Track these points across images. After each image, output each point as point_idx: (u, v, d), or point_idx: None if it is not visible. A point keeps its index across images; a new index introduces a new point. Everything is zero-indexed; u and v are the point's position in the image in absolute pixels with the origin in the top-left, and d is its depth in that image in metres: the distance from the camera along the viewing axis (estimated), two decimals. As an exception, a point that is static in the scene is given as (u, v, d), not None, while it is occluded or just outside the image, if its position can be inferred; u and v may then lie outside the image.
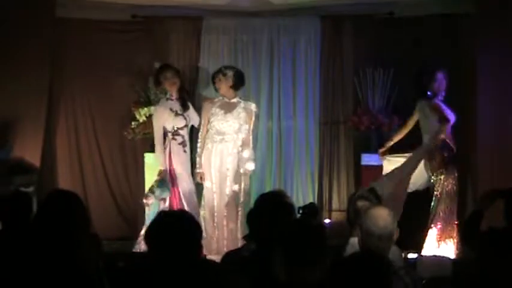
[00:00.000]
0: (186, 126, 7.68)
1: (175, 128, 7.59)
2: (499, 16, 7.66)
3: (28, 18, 7.97)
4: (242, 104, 7.76)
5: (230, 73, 7.69)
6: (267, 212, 4.01)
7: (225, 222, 7.51)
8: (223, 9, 8.81)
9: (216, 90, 7.85)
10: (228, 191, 7.57)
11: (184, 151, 7.65)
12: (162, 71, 7.77)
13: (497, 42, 7.67)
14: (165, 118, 7.60)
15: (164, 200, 7.53)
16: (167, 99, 7.73)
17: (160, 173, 7.60)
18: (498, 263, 4.26)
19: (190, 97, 8.11)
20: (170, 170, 7.63)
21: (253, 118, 7.87)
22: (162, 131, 7.64)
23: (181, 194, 7.62)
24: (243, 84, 7.90)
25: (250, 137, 7.83)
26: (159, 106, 7.78)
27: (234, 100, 7.74)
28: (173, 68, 7.89)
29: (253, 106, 7.86)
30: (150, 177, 8.26)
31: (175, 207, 7.55)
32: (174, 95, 7.70)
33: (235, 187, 7.58)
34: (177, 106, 7.65)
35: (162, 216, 3.48)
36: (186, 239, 3.32)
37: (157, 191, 7.53)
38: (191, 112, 7.82)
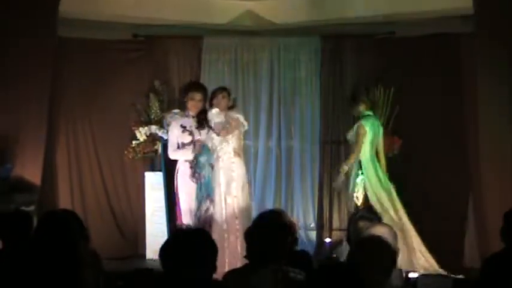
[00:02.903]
0: (193, 142, 7.36)
1: (181, 144, 7.47)
2: (499, 35, 7.68)
3: (29, 37, 7.98)
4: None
5: (232, 95, 7.58)
6: (264, 231, 3.98)
7: (226, 235, 7.32)
8: (223, 28, 8.85)
9: (212, 105, 7.46)
10: (223, 204, 7.38)
11: (190, 167, 7.48)
12: (192, 90, 7.51)
13: (496, 61, 7.69)
14: (175, 134, 7.50)
15: (212, 165, 7.36)
16: (185, 115, 7.53)
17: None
18: (499, 285, 4.25)
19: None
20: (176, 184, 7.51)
21: (238, 126, 7.42)
22: (175, 145, 7.49)
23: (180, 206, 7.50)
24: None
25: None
26: (173, 121, 7.67)
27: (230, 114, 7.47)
28: (203, 91, 7.53)
29: (232, 113, 7.44)
30: (151, 196, 8.25)
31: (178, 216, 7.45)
32: (192, 114, 7.52)
33: (229, 200, 7.37)
34: (189, 123, 7.49)
35: (178, 233, 3.46)
36: (200, 258, 3.31)
37: (202, 158, 7.36)
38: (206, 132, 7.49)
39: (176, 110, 8.16)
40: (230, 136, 7.37)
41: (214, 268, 3.40)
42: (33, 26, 8.01)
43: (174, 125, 7.55)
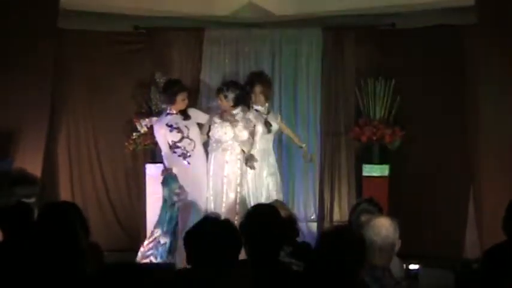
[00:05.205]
0: (184, 137, 7.58)
1: (172, 142, 7.53)
2: (500, 26, 7.67)
3: (30, 29, 7.98)
4: (241, 115, 7.66)
5: (231, 95, 7.58)
6: (256, 224, 3.97)
7: None
8: (225, 20, 8.83)
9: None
10: (224, 198, 7.50)
11: (187, 162, 7.54)
12: (180, 91, 7.59)
13: (498, 52, 7.68)
14: (163, 134, 7.55)
15: (177, 194, 7.38)
16: (167, 114, 7.64)
17: (165, 171, 7.52)
18: (501, 276, 4.25)
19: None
20: None
21: (255, 127, 7.71)
22: (167, 144, 7.57)
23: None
24: (245, 102, 7.75)
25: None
26: (157, 123, 7.71)
27: (234, 111, 7.69)
28: (187, 89, 7.79)
29: (251, 116, 7.72)
30: (152, 189, 8.24)
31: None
32: (175, 111, 7.63)
33: (232, 195, 7.49)
34: (175, 120, 7.54)
35: (205, 221, 3.47)
36: (224, 248, 3.32)
37: (164, 191, 7.47)
38: (194, 118, 7.68)
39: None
40: (245, 134, 7.49)
41: (236, 260, 3.40)
42: (34, 17, 8.01)
43: (158, 127, 7.60)
